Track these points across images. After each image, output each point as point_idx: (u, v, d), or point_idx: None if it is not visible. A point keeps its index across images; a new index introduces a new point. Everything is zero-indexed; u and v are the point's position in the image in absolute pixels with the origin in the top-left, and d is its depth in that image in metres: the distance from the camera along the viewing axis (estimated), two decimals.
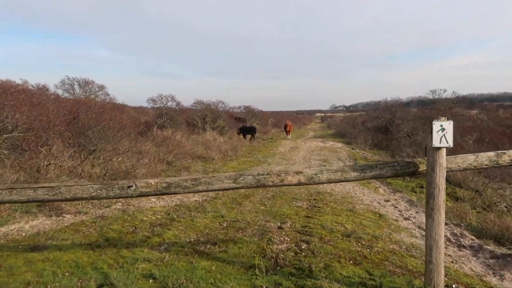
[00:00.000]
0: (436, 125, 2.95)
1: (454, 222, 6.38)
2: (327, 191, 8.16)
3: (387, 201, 7.86)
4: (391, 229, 5.59)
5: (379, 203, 7.62)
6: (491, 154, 3.23)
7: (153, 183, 3.21)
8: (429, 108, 24.54)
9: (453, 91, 27.08)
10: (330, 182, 3.31)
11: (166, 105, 21.67)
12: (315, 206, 6.66)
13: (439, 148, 3.00)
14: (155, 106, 22.97)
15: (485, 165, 3.24)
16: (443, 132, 2.94)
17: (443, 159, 3.02)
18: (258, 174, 3.22)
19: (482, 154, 3.27)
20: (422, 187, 9.14)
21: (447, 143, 2.95)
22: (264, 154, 15.37)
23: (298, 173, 3.23)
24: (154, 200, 7.00)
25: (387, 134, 23.96)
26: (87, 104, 8.94)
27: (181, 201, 6.98)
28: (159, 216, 5.83)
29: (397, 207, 7.33)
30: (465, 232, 5.89)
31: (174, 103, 21.90)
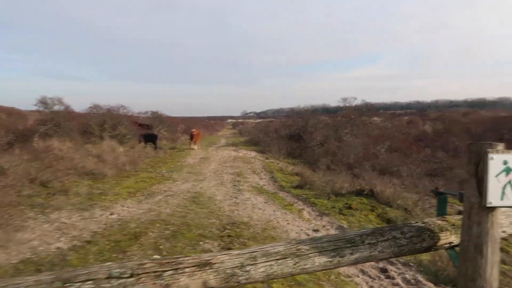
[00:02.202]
0: (495, 162, 1.40)
1: (401, 260, 5.13)
2: (243, 221, 6.50)
3: (316, 230, 6.46)
4: (336, 286, 4.08)
5: (308, 235, 6.17)
6: None
7: None
8: (341, 116, 24.53)
9: (363, 99, 27.68)
10: (271, 279, 1.59)
11: (52, 109, 18.27)
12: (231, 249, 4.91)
13: (493, 208, 1.45)
14: (45, 109, 19.33)
15: None
16: (508, 176, 1.40)
17: (497, 226, 1.49)
18: (108, 277, 1.36)
19: None
20: (350, 207, 7.98)
21: None
22: (170, 167, 13.27)
23: (203, 266, 1.44)
24: None
25: (301, 142, 23.40)
26: None
27: (32, 252, 4.70)
28: None
29: None
30: (419, 277, 4.65)
31: (63, 107, 18.57)
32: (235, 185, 9.97)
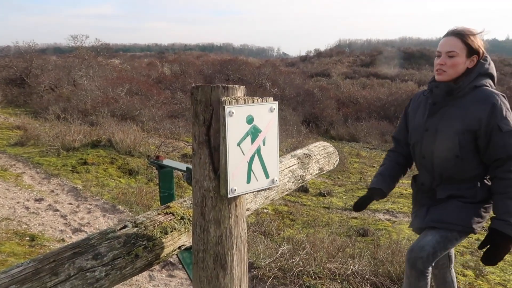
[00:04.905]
0: (236, 119, 0.79)
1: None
2: None
3: (40, 200, 5.17)
4: None
5: (28, 207, 4.84)
6: (295, 165, 1.44)
7: None
8: (72, 56, 21.67)
9: (96, 38, 25.19)
10: None
11: None
12: None
13: (237, 197, 0.88)
14: None
15: (288, 189, 1.43)
16: (255, 143, 0.83)
17: (244, 222, 0.94)
18: None
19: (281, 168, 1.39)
20: (86, 163, 6.91)
21: (268, 176, 0.88)
22: None
23: None
24: None
25: (25, 88, 19.63)
26: None
27: None
28: None
29: (58, 210, 4.82)
30: None
31: None
32: None
